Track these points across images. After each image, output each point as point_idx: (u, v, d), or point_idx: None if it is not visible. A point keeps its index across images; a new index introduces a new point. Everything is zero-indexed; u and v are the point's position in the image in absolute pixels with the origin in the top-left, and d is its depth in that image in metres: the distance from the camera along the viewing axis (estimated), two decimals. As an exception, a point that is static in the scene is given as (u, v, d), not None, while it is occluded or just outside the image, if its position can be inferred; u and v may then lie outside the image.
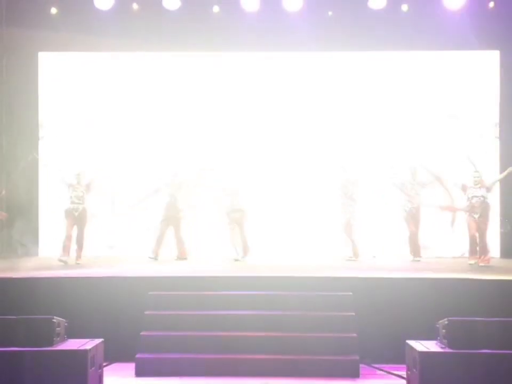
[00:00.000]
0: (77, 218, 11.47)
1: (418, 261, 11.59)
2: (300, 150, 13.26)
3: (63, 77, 13.40)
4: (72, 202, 11.52)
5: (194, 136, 13.26)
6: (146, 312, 8.50)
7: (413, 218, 11.76)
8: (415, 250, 11.81)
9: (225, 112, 13.32)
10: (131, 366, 8.04)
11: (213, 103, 13.31)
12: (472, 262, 10.95)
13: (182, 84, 13.38)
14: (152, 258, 11.77)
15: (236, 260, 11.76)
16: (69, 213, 11.51)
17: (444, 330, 6.70)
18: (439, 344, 6.75)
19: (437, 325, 6.92)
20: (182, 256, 11.97)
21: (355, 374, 7.88)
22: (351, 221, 11.95)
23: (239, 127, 13.33)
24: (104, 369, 7.21)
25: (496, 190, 12.60)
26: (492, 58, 13.18)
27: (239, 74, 13.44)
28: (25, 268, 10.44)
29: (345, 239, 12.07)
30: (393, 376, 7.90)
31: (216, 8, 12.81)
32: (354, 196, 12.00)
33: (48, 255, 12.21)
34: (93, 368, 6.55)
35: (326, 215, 12.79)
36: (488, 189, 11.04)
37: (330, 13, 12.83)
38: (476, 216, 10.88)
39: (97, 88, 13.38)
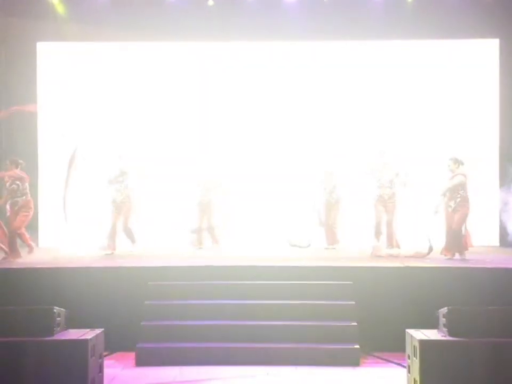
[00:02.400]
0: (17, 211, 10.45)
1: (395, 254, 10.78)
2: (283, 141, 13.26)
3: (62, 67, 13.38)
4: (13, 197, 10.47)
5: (181, 127, 13.26)
6: (146, 302, 8.51)
7: (385, 205, 11.24)
8: (390, 239, 11.24)
9: (215, 104, 13.32)
10: (131, 356, 8.06)
11: (205, 95, 13.31)
12: (449, 256, 10.18)
13: (179, 74, 13.36)
14: (109, 254, 11.22)
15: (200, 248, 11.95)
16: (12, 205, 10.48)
17: (444, 319, 6.70)
18: (439, 332, 6.76)
19: (437, 314, 6.93)
20: (132, 248, 11.56)
21: (355, 363, 7.90)
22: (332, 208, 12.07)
23: (229, 120, 13.33)
24: (105, 358, 7.22)
25: (495, 178, 12.63)
26: (491, 46, 13.16)
27: (232, 64, 13.42)
28: (25, 258, 10.43)
29: (326, 228, 12.16)
30: (393, 365, 7.91)
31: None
32: (334, 186, 12.09)
33: (48, 246, 12.19)
34: (93, 358, 6.56)
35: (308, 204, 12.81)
36: (461, 180, 10.17)
37: None
38: (450, 209, 10.18)
39: (96, 78, 13.36)
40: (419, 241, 10.71)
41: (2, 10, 12.97)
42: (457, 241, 10.19)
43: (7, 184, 10.58)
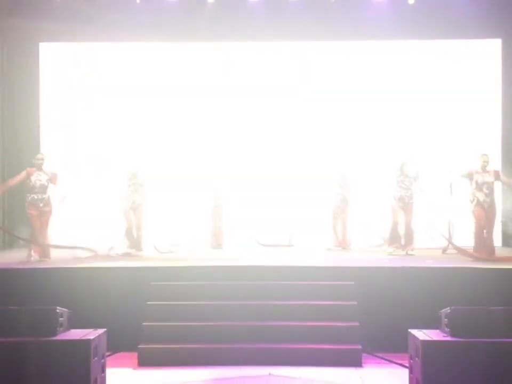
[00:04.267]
0: (41, 209, 10.50)
1: (412, 254, 10.94)
2: (292, 141, 13.31)
3: (64, 68, 13.40)
4: (36, 192, 10.50)
5: (188, 130, 13.28)
6: (149, 303, 8.51)
7: (405, 207, 11.14)
8: (408, 242, 11.14)
9: (218, 104, 13.34)
10: (134, 356, 8.07)
11: (208, 95, 13.32)
12: (480, 258, 9.97)
13: (181, 74, 13.37)
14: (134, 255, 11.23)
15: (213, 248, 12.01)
16: (33, 204, 10.50)
17: (446, 319, 6.69)
18: (441, 333, 6.75)
19: (439, 314, 6.92)
20: (138, 249, 11.51)
21: (357, 363, 7.90)
22: (343, 210, 12.06)
23: (233, 120, 13.36)
24: (107, 359, 7.21)
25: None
26: (493, 46, 13.16)
27: (234, 65, 13.44)
28: (28, 258, 10.43)
29: (334, 229, 12.14)
30: (395, 365, 7.90)
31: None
32: (347, 186, 12.07)
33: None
34: (95, 358, 6.55)
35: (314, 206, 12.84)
36: (497, 177, 10.24)
37: None
38: (486, 205, 10.07)
39: (99, 78, 13.39)
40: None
41: (5, 11, 12.99)
42: (491, 243, 10.13)
43: (38, 179, 10.50)
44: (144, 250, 11.66)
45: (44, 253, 10.50)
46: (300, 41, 13.19)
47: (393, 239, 11.22)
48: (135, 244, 11.56)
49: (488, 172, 10.23)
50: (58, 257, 10.59)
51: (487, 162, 10.21)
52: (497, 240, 12.48)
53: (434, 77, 13.16)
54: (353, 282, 8.69)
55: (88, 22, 12.54)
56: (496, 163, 12.38)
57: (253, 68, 13.41)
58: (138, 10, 12.78)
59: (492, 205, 10.15)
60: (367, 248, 12.01)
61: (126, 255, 11.08)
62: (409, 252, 11.10)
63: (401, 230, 11.27)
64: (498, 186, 11.01)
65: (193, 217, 12.73)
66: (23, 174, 10.68)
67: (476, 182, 10.13)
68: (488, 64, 13.18)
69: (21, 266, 9.45)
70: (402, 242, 11.25)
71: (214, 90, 13.31)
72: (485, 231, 10.25)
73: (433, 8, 12.62)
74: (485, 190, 10.11)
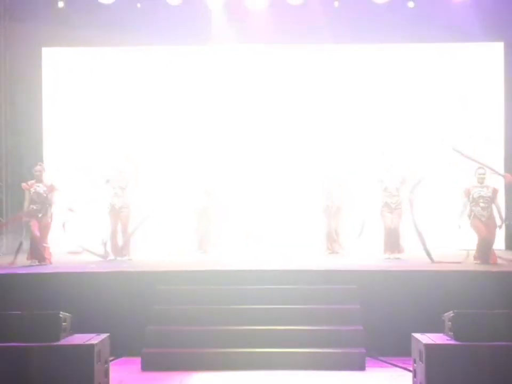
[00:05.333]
0: (39, 219, 10.42)
1: (399, 258, 10.84)
2: (286, 144, 13.27)
3: (66, 73, 13.42)
4: (34, 203, 10.44)
5: (185, 132, 13.28)
6: (154, 307, 8.50)
7: (391, 213, 11.03)
8: (395, 246, 11.05)
9: (216, 108, 13.33)
10: (137, 361, 8.06)
11: (209, 98, 13.34)
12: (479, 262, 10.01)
13: (182, 79, 13.39)
14: (113, 258, 11.06)
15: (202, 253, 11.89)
16: (32, 214, 10.41)
17: (449, 323, 6.69)
18: (445, 336, 6.75)
19: (443, 318, 6.92)
20: (126, 253, 11.21)
21: (361, 367, 7.88)
22: (335, 215, 12.00)
23: (229, 125, 13.34)
24: (111, 363, 7.22)
25: (500, 182, 12.57)
26: (496, 50, 13.16)
27: (235, 68, 13.45)
28: (31, 263, 10.43)
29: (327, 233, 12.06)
30: (399, 369, 7.88)
31: (218, 2, 12.80)
32: (340, 190, 12.02)
33: (53, 251, 12.18)
34: (99, 363, 6.56)
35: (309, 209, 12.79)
36: (494, 193, 10.16)
37: (336, 3, 12.81)
38: (484, 218, 10.03)
39: (101, 83, 13.41)
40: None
41: (7, 16, 13.03)
42: (489, 249, 10.07)
43: (36, 191, 10.43)
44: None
45: (43, 258, 10.42)
46: (300, 45, 13.19)
47: (387, 245, 11.15)
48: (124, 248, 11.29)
49: (486, 186, 10.15)
50: (60, 262, 10.61)
51: (483, 176, 10.16)
52: (501, 243, 12.48)
53: (436, 81, 13.16)
54: (355, 286, 8.68)
55: (91, 27, 12.57)
56: (498, 166, 12.41)
57: (249, 71, 13.41)
58: (140, 15, 12.79)
59: (490, 218, 10.11)
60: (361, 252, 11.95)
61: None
62: (396, 256, 10.97)
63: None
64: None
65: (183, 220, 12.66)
66: (26, 194, 10.58)
67: (473, 196, 10.11)
68: (490, 68, 13.17)
69: (23, 271, 9.45)
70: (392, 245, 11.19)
71: (207, 94, 13.30)
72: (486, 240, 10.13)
73: (434, 12, 12.62)
74: (481, 204, 10.06)
